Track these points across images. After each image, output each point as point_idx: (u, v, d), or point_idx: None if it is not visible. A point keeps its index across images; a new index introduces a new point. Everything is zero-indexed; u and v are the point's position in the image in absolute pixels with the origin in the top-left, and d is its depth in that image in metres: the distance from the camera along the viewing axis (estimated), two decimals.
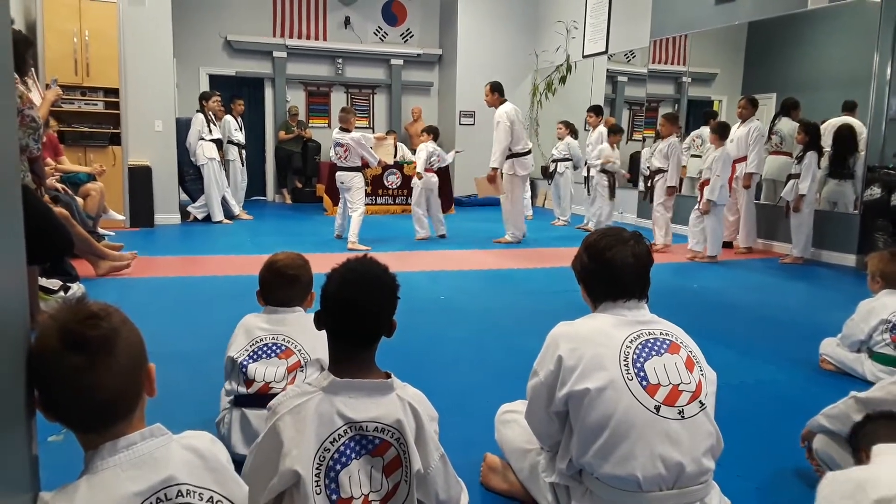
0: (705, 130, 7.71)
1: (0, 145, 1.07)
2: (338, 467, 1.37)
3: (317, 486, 1.35)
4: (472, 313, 4.32)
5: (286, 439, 1.38)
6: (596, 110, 8.53)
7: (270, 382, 2.10)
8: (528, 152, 7.22)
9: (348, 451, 1.38)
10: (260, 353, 2.15)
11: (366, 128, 11.79)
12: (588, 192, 8.36)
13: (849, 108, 6.64)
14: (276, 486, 1.37)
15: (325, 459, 1.37)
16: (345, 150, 6.78)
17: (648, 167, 7.47)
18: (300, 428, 1.38)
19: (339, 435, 1.38)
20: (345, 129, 6.84)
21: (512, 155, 7.07)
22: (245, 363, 2.13)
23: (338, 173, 6.95)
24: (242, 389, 2.13)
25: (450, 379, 3.06)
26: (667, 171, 6.98)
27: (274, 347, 2.16)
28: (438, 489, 1.48)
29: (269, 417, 1.44)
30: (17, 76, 3.20)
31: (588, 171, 8.44)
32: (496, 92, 7.04)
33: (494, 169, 7.00)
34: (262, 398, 2.02)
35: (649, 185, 7.16)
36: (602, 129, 8.33)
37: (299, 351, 2.16)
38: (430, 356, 3.38)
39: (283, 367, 2.12)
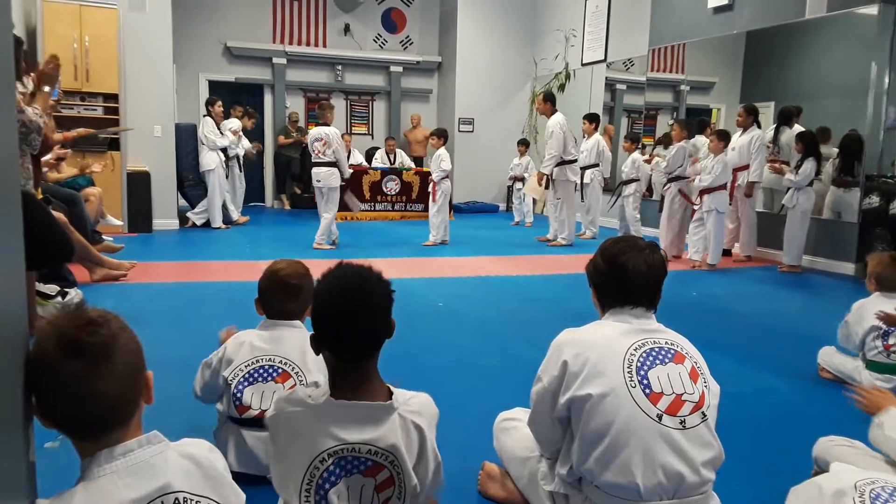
0: (700, 139, 7.73)
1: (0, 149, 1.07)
2: (326, 486, 1.36)
3: (306, 503, 1.36)
4: (469, 320, 4.32)
5: (281, 442, 1.42)
6: (591, 118, 8.54)
7: (266, 410, 1.97)
8: (576, 160, 7.65)
9: (338, 471, 1.37)
10: (256, 375, 2.06)
11: (364, 134, 11.83)
12: (582, 199, 8.38)
13: (786, 116, 6.80)
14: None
15: (315, 478, 1.36)
16: (323, 144, 6.72)
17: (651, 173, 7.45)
18: (290, 440, 1.38)
19: (328, 454, 1.37)
20: (324, 124, 6.87)
21: (563, 162, 7.40)
22: (240, 389, 2.05)
23: (314, 170, 6.80)
24: (234, 414, 2.05)
25: (447, 385, 3.04)
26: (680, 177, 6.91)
27: (271, 370, 2.07)
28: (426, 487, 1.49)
29: (270, 421, 1.48)
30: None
31: (581, 177, 8.46)
32: (548, 102, 7.46)
33: (543, 174, 7.46)
34: (258, 420, 1.99)
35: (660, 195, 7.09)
36: (598, 136, 8.34)
37: (297, 374, 2.07)
38: (427, 362, 3.37)
39: (280, 392, 2.02)
